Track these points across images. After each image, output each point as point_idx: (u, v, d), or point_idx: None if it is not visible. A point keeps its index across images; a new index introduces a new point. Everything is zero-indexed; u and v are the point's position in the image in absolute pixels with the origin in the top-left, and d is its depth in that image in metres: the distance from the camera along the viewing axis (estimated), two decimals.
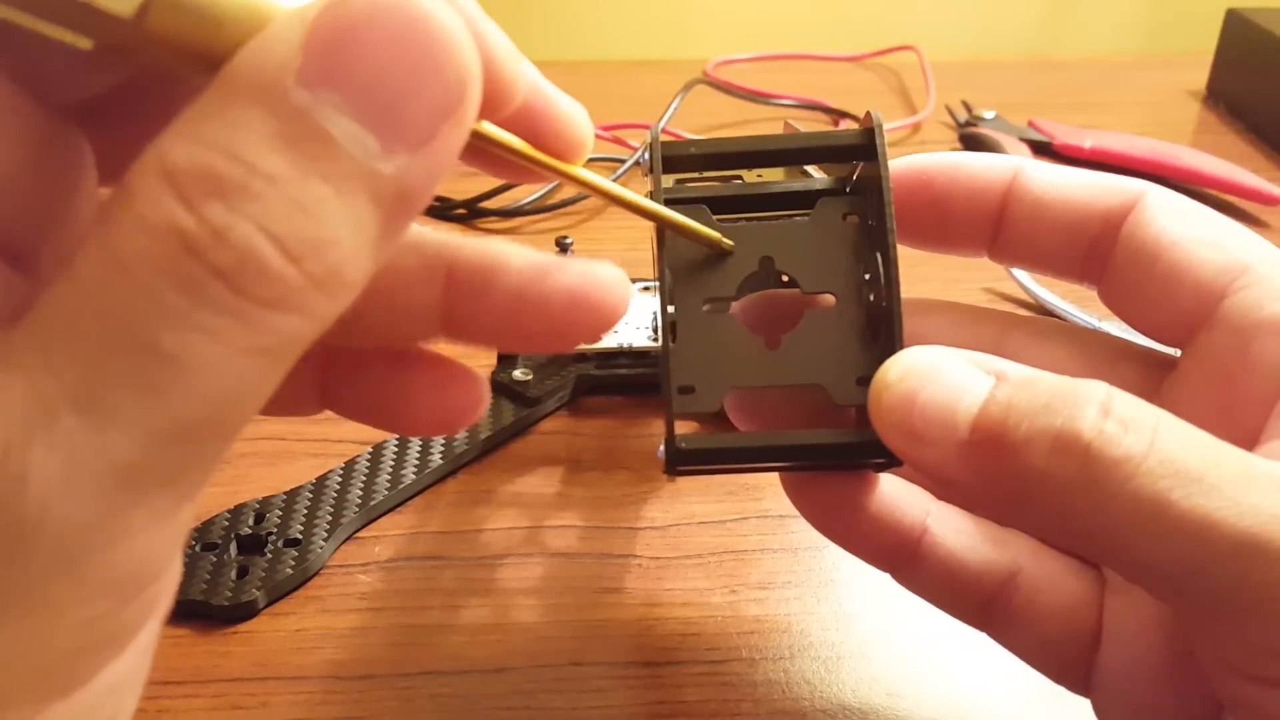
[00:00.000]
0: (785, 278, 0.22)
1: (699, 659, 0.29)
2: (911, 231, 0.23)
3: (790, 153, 0.23)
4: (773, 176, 0.32)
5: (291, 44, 0.13)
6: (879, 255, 0.21)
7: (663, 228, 0.21)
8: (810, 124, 0.60)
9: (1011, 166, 0.22)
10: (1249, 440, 0.19)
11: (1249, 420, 0.20)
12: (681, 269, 0.22)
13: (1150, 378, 0.22)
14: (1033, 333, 0.24)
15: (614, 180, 0.52)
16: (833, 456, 0.22)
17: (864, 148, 0.22)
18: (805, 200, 0.23)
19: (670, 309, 0.22)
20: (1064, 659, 0.23)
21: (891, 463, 0.21)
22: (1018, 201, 0.22)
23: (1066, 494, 0.17)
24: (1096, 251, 0.22)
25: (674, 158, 0.22)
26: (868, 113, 0.22)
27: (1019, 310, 0.37)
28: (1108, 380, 0.18)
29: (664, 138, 0.22)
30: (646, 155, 0.22)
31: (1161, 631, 0.21)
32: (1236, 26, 0.66)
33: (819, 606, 0.31)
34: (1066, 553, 0.23)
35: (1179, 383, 0.22)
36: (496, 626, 0.30)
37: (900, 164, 0.23)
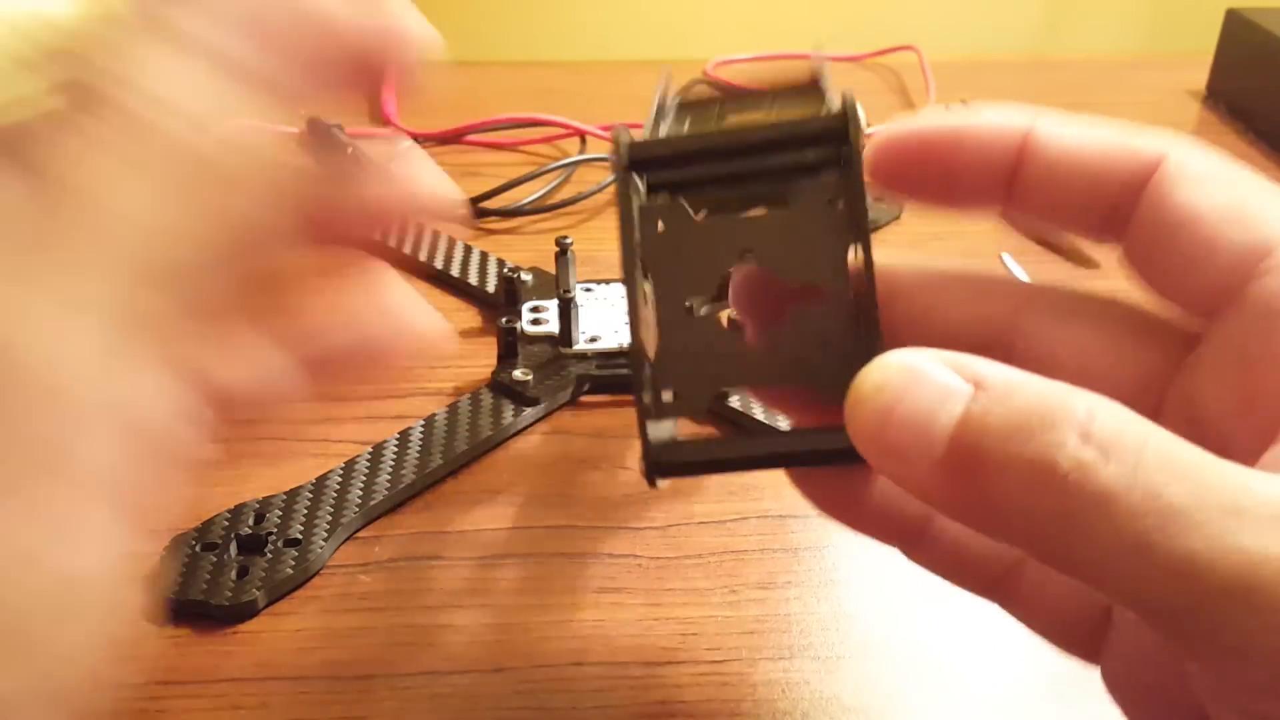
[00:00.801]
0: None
1: (699, 659, 0.29)
2: (917, 194, 0.22)
3: (765, 145, 0.22)
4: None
5: None
6: (859, 247, 0.20)
7: (628, 214, 0.21)
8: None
9: (1021, 130, 0.21)
10: (1268, 432, 0.19)
11: (1271, 411, 0.19)
12: (659, 266, 0.21)
13: (1170, 355, 0.21)
14: (1049, 309, 0.22)
15: (605, 186, 0.52)
16: (817, 462, 0.21)
17: (839, 132, 0.21)
18: (795, 144, 0.22)
19: (650, 300, 0.21)
20: (1075, 634, 0.23)
21: None
22: (1029, 167, 0.21)
23: (1044, 526, 0.16)
24: (1116, 215, 0.21)
25: (644, 159, 0.22)
26: (843, 94, 0.21)
27: None
28: (1127, 362, 0.17)
29: (640, 136, 0.22)
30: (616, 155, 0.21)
31: None
32: (1236, 26, 0.66)
33: (819, 606, 0.31)
34: None
35: (1200, 364, 0.21)
36: (496, 626, 0.30)
37: (897, 131, 0.22)
